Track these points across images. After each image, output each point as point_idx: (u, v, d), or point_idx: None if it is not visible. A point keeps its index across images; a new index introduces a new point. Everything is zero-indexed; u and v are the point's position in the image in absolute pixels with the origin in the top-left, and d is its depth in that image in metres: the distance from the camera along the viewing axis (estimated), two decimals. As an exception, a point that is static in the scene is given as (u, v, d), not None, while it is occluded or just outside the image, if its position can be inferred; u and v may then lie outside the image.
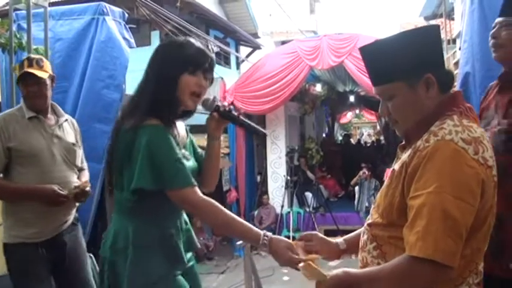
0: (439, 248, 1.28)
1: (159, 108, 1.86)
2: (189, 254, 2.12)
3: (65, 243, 2.89)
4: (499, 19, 2.17)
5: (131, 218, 1.92)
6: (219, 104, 1.98)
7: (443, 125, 1.42)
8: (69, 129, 3.00)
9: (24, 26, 3.96)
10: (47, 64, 2.89)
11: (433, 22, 13.80)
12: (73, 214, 2.97)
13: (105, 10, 4.18)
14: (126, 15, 4.47)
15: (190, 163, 1.99)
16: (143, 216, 1.91)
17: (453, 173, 1.32)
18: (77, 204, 2.96)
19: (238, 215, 8.88)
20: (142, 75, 1.97)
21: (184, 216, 2.12)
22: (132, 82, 3.91)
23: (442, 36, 11.05)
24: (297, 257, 1.71)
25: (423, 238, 1.30)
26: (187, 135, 2.15)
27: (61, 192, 2.73)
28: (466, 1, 3.50)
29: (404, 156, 1.50)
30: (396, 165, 1.53)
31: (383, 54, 1.54)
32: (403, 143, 1.62)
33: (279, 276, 6.49)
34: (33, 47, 3.80)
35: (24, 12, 3.95)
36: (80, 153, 3.03)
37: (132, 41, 4.37)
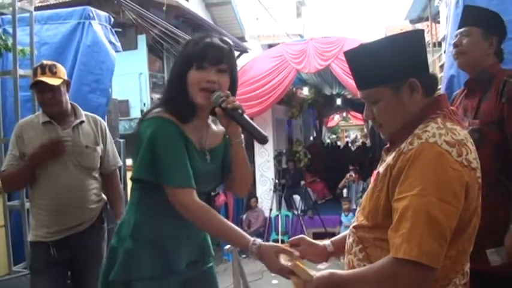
0: (423, 250, 1.29)
1: (173, 105, 1.84)
2: (198, 263, 2.05)
3: (78, 245, 2.87)
4: (459, 30, 2.42)
5: (137, 212, 1.91)
6: (224, 98, 1.84)
7: (427, 128, 1.43)
8: (88, 130, 2.95)
9: (10, 30, 3.93)
10: (60, 69, 2.87)
11: (418, 25, 13.95)
12: (91, 217, 2.92)
13: (91, 14, 4.16)
14: (112, 19, 4.45)
15: (206, 165, 1.92)
16: (147, 214, 1.89)
17: (437, 175, 1.33)
18: (93, 206, 2.93)
19: (227, 218, 8.88)
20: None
21: None
22: (118, 86, 3.89)
23: (428, 39, 11.17)
24: (287, 264, 1.67)
25: (408, 240, 1.30)
26: (224, 139, 2.04)
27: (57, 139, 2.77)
28: (451, 5, 3.53)
29: (389, 158, 1.51)
30: (381, 168, 1.54)
31: (367, 59, 1.55)
32: (388, 145, 1.63)
33: (268, 280, 6.49)
34: (19, 47, 3.77)
35: (9, 16, 3.92)
36: (96, 155, 2.95)
37: (119, 45, 4.36)
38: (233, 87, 1.94)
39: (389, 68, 1.50)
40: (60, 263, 2.83)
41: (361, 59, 1.58)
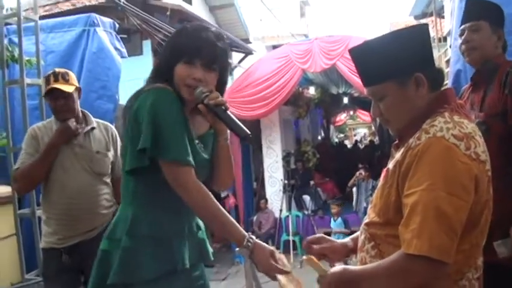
0: (434, 245, 1.28)
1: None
2: (197, 270, 1.94)
3: (90, 250, 2.86)
4: (465, 25, 2.37)
5: (133, 205, 1.78)
6: (207, 94, 1.76)
7: (434, 122, 1.43)
8: (99, 136, 2.99)
9: (16, 40, 3.95)
10: (72, 77, 2.93)
11: (423, 21, 13.87)
12: (103, 223, 2.90)
13: (95, 21, 4.18)
14: (117, 25, 4.48)
15: (201, 156, 1.84)
16: (145, 205, 1.77)
17: (445, 169, 1.33)
18: (105, 212, 2.93)
19: (238, 220, 8.87)
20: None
21: (198, 221, 1.95)
22: (125, 92, 3.91)
23: (433, 34, 11.11)
24: (278, 266, 1.66)
25: (418, 236, 1.30)
26: (210, 130, 1.96)
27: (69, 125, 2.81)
28: (455, -2, 3.52)
29: (398, 154, 1.50)
30: (390, 164, 1.54)
31: (372, 55, 1.54)
32: (397, 142, 1.63)
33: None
34: (26, 58, 3.80)
35: (15, 26, 3.95)
36: (106, 160, 2.97)
37: (124, 50, 4.38)
38: (221, 87, 1.88)
39: (395, 63, 1.50)
40: (72, 269, 2.84)
41: (365, 56, 1.57)
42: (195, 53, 1.75)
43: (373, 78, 1.56)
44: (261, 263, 1.68)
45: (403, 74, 1.50)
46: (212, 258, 2.01)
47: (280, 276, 1.65)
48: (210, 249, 2.00)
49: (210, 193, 1.72)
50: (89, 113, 3.06)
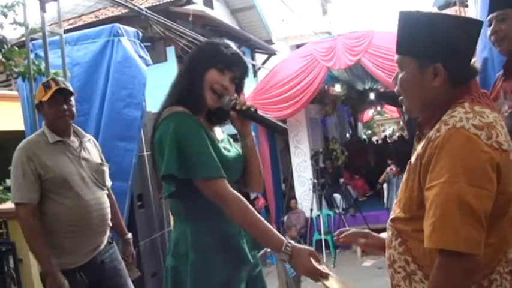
0: (461, 238, 1.26)
1: (185, 99, 1.86)
2: (255, 258, 2.03)
3: (102, 264, 2.88)
4: (492, 15, 2.28)
5: (188, 220, 1.89)
6: (236, 101, 1.91)
7: (454, 113, 1.40)
8: (92, 149, 3.00)
9: (41, 54, 4.03)
10: (69, 85, 2.94)
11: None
12: (107, 234, 2.95)
13: (119, 31, 4.23)
14: (141, 34, 4.52)
15: (232, 153, 1.97)
16: (199, 218, 1.87)
17: (466, 160, 1.30)
18: (110, 224, 2.97)
19: (269, 221, 8.88)
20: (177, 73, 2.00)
21: None
22: (152, 99, 3.94)
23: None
24: (318, 267, 1.67)
25: (439, 229, 1.29)
26: (224, 135, 2.09)
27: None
28: (479, -14, 3.44)
29: (419, 147, 1.48)
30: (412, 158, 1.51)
31: (410, 26, 1.52)
32: (418, 133, 1.61)
33: (313, 281, 6.44)
34: (52, 71, 3.87)
35: (40, 41, 4.03)
36: (106, 171, 3.01)
37: (149, 58, 4.42)
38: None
39: (423, 43, 1.48)
40: (85, 287, 2.79)
41: (405, 22, 1.55)
42: (230, 64, 1.89)
43: (400, 46, 1.56)
44: (301, 267, 1.71)
45: (425, 57, 1.48)
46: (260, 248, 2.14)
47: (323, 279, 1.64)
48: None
49: (247, 202, 1.80)
50: (77, 126, 3.02)
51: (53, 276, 2.61)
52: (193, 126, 1.81)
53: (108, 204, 2.94)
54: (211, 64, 1.88)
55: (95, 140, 3.15)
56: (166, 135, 1.78)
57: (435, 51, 1.47)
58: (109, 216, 2.94)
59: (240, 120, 1.96)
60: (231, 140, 2.12)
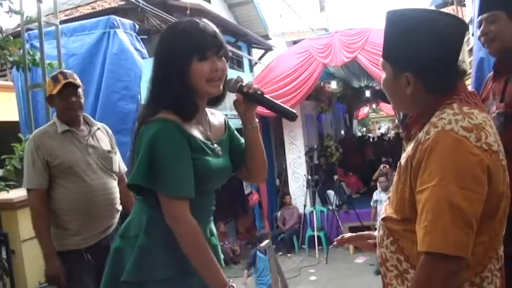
0: (449, 241, 1.27)
1: (174, 101, 1.70)
2: None
3: (108, 249, 2.90)
4: (482, 16, 2.29)
5: (149, 206, 1.76)
6: (243, 84, 1.77)
7: (442, 115, 1.39)
8: (103, 137, 3.08)
9: (37, 44, 4.01)
10: (77, 77, 2.99)
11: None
12: (116, 218, 3.02)
13: (115, 23, 4.22)
14: (137, 26, 4.50)
15: (218, 160, 1.80)
16: (159, 208, 1.72)
17: (456, 163, 1.30)
18: (119, 208, 3.02)
19: (262, 217, 8.86)
20: (152, 67, 1.79)
21: (212, 226, 1.94)
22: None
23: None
24: None
25: (431, 232, 1.29)
26: (226, 129, 1.96)
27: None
28: (476, -15, 3.45)
29: (409, 148, 1.49)
30: (402, 159, 1.51)
31: (390, 29, 1.53)
32: (405, 133, 1.62)
33: (306, 277, 6.48)
34: (47, 61, 3.86)
35: (36, 31, 4.01)
36: (116, 159, 3.09)
37: (145, 51, 4.41)
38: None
39: (399, 50, 1.49)
40: (92, 268, 2.85)
41: (388, 26, 1.55)
42: (204, 46, 1.70)
43: (383, 50, 1.57)
44: None
45: (399, 65, 1.49)
46: (224, 265, 1.95)
47: None
48: (221, 256, 2.00)
49: (200, 230, 1.69)
50: (88, 115, 3.14)
51: (50, 258, 2.77)
52: (174, 138, 1.67)
53: (116, 189, 3.02)
54: (188, 60, 1.70)
55: (108, 129, 3.20)
56: (146, 139, 1.67)
57: (408, 59, 1.47)
58: (117, 200, 3.01)
59: (245, 105, 1.81)
60: (236, 135, 2.00)
